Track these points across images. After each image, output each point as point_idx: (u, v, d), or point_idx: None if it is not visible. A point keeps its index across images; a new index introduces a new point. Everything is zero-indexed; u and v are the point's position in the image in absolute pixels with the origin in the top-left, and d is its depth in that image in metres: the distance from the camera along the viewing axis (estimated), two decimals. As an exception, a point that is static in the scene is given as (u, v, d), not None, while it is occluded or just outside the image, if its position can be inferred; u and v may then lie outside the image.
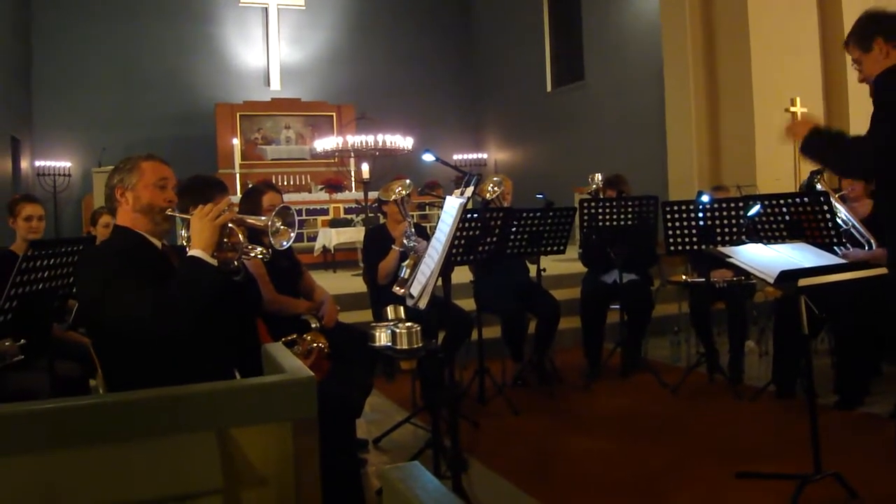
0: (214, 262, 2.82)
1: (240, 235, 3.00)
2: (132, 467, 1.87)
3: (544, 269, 6.07)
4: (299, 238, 10.21)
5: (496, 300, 5.79)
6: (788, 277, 3.39)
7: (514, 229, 5.43)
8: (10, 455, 1.81)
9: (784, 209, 4.85)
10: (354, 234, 11.22)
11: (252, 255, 3.09)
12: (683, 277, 6.27)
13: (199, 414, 1.91)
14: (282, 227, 3.00)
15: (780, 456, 4.22)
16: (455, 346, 5.24)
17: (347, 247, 11.42)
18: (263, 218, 3.05)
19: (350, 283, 8.83)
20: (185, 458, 1.88)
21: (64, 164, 15.33)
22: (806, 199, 4.81)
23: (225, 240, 2.96)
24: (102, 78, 15.52)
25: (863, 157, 3.51)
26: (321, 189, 13.72)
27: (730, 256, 3.55)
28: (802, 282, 3.44)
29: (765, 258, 3.55)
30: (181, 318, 2.68)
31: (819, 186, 5.50)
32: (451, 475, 3.77)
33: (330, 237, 11.27)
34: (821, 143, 3.65)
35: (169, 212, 2.97)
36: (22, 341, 3.80)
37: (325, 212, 12.72)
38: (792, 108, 9.19)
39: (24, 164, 14.77)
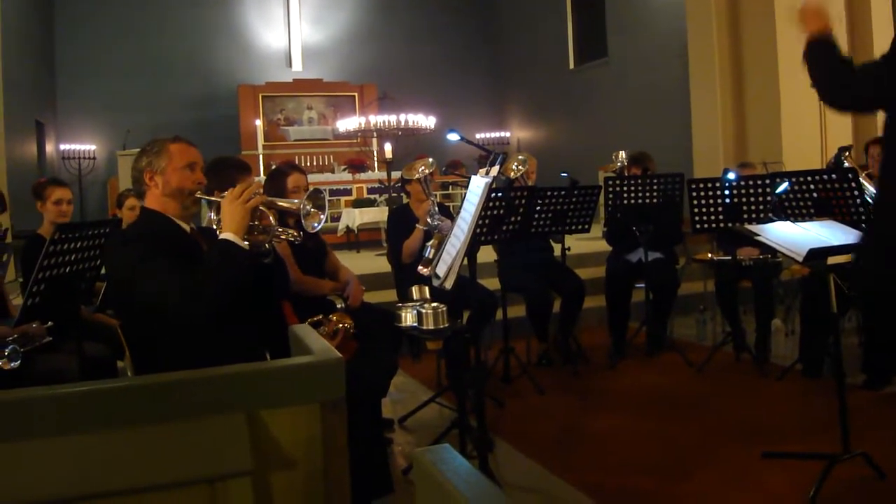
0: (245, 245, 2.83)
1: (270, 218, 3.01)
2: (162, 449, 1.88)
3: (569, 248, 6.06)
4: (323, 218, 10.25)
5: (521, 279, 5.79)
6: (817, 255, 3.35)
7: (538, 208, 5.41)
8: (41, 438, 1.83)
9: (811, 186, 4.80)
10: (378, 214, 11.25)
11: (283, 237, 3.10)
12: (709, 255, 6.22)
13: (228, 396, 1.92)
14: (312, 209, 3.01)
15: (807, 436, 4.20)
16: (480, 326, 5.23)
17: (371, 227, 11.45)
18: (296, 201, 3.05)
19: (374, 263, 8.85)
20: (215, 440, 1.89)
21: (88, 147, 15.42)
22: (833, 177, 4.76)
23: (255, 222, 2.97)
24: (125, 61, 15.57)
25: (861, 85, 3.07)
26: (344, 169, 13.74)
27: (758, 234, 3.52)
28: (831, 260, 3.41)
29: (793, 236, 3.51)
30: (212, 301, 2.69)
31: (846, 164, 5.45)
32: (477, 455, 3.78)
33: (353, 217, 11.29)
34: (828, 51, 3.16)
35: (198, 195, 2.97)
36: (49, 323, 3.83)
37: (348, 192, 12.76)
38: (818, 84, 9.07)
39: (49, 147, 14.87)
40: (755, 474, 3.76)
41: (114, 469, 1.86)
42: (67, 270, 3.69)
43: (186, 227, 3.02)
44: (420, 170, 5.01)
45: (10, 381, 3.48)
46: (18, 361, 3.50)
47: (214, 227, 2.97)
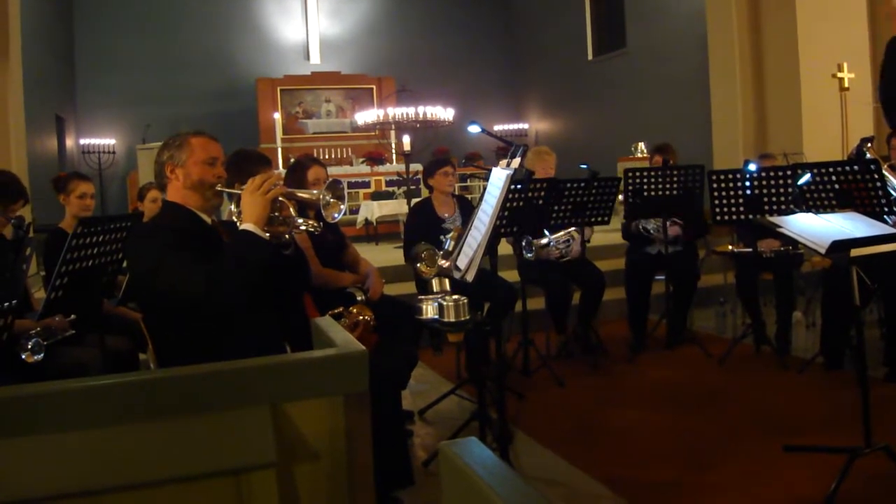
0: (266, 235, 2.84)
1: (290, 209, 3.02)
2: (186, 442, 1.89)
3: (588, 240, 6.04)
4: (341, 211, 10.29)
5: (540, 272, 5.77)
6: (840, 247, 3.33)
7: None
8: (66, 431, 1.84)
9: (833, 178, 4.77)
10: (396, 207, 11.26)
11: (303, 228, 3.11)
12: (730, 247, 6.19)
13: (253, 389, 1.92)
14: (332, 199, 3.02)
15: (828, 429, 4.18)
16: (499, 319, 5.23)
17: (389, 219, 11.45)
18: (315, 191, 3.06)
19: (392, 255, 8.87)
20: (239, 432, 1.90)
21: (108, 141, 15.50)
22: (856, 168, 4.72)
23: (276, 213, 2.99)
24: (144, 55, 15.62)
25: None
26: (362, 162, 13.76)
27: (780, 226, 3.50)
28: (855, 252, 3.38)
29: (816, 228, 3.49)
30: (234, 292, 2.70)
31: (869, 155, 5.40)
32: (497, 447, 3.79)
33: (372, 210, 11.31)
34: None
35: (219, 187, 2.99)
36: (72, 317, 3.85)
37: (366, 185, 12.77)
38: (839, 74, 9.05)
39: (70, 142, 14.95)
40: (776, 467, 3.75)
41: (138, 461, 1.87)
42: (90, 264, 3.71)
43: (208, 220, 3.04)
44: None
45: (33, 375, 3.51)
46: (42, 354, 3.52)
47: (235, 219, 2.98)
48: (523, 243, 5.21)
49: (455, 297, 3.57)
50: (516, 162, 3.54)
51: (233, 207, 3.06)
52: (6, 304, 3.08)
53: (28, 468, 1.80)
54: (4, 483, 1.78)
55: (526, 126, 18.21)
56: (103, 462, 1.86)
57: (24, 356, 3.47)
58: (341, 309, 4.01)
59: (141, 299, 3.23)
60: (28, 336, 3.52)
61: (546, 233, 5.62)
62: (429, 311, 3.65)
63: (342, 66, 16.84)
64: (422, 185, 6.58)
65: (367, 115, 13.70)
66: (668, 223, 5.91)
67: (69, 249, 3.55)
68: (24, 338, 3.50)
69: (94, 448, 1.85)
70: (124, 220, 3.95)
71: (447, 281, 3.96)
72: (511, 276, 5.74)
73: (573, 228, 5.73)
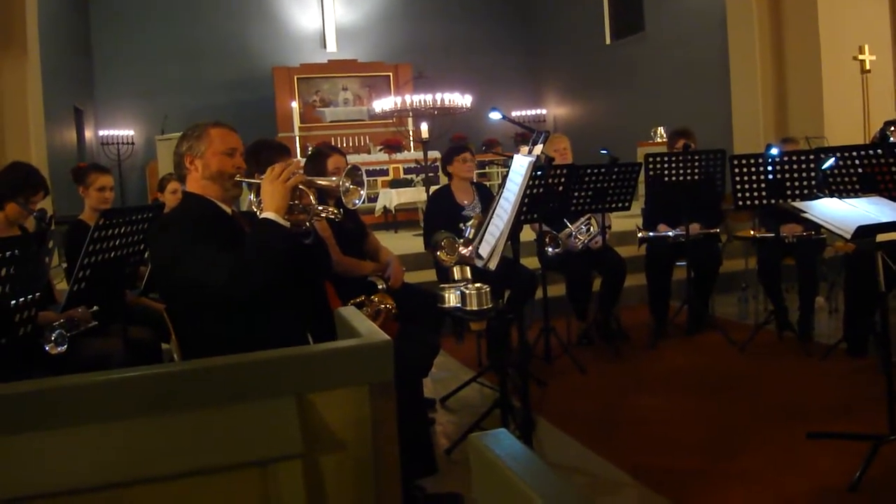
0: (287, 224, 2.84)
1: (310, 197, 3.02)
2: (214, 433, 1.89)
3: (609, 227, 6.01)
4: (360, 199, 10.30)
5: (561, 259, 5.75)
6: (866, 232, 3.30)
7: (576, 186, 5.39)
8: (91, 423, 1.84)
9: (856, 162, 4.72)
10: (415, 194, 11.25)
11: (323, 215, 3.11)
12: (751, 232, 6.15)
13: (278, 380, 1.92)
14: (351, 186, 3.02)
15: (852, 416, 4.15)
16: (520, 306, 5.22)
17: (408, 207, 11.45)
18: (334, 178, 3.06)
19: (412, 243, 8.87)
20: (266, 423, 1.90)
21: (127, 132, 15.54)
22: (879, 152, 4.67)
23: (296, 202, 2.98)
24: (161, 46, 15.63)
25: None
26: (380, 150, 13.74)
27: (805, 211, 3.47)
28: (881, 237, 3.35)
29: (840, 213, 3.45)
30: (257, 281, 2.70)
31: (892, 138, 5.35)
32: (520, 435, 3.78)
33: (390, 198, 11.30)
34: None
35: (238, 178, 2.99)
36: (95, 308, 3.87)
37: (384, 172, 12.77)
38: (860, 56, 8.96)
39: (88, 133, 15.01)
40: (800, 455, 3.73)
41: (163, 454, 1.87)
42: (112, 255, 3.73)
43: (228, 210, 3.04)
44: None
45: (57, 366, 3.54)
46: (65, 346, 3.55)
47: (255, 209, 2.98)
48: (547, 239, 5.19)
49: (477, 285, 3.56)
50: (538, 149, 3.53)
51: (252, 197, 3.06)
52: (30, 296, 3.10)
53: (52, 461, 1.81)
54: (29, 476, 1.78)
55: (544, 111, 18.12)
56: (128, 455, 1.86)
57: (47, 348, 3.50)
58: (363, 298, 4.01)
59: (163, 290, 3.24)
60: (51, 328, 3.55)
61: (566, 222, 5.61)
62: (451, 299, 3.64)
63: (359, 54, 16.80)
64: (440, 173, 6.56)
65: (384, 103, 13.65)
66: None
67: (91, 241, 3.56)
68: (47, 330, 3.53)
69: (119, 441, 1.85)
70: (146, 211, 3.97)
71: (468, 269, 3.95)
72: (531, 262, 5.72)
73: (589, 215, 5.72)
